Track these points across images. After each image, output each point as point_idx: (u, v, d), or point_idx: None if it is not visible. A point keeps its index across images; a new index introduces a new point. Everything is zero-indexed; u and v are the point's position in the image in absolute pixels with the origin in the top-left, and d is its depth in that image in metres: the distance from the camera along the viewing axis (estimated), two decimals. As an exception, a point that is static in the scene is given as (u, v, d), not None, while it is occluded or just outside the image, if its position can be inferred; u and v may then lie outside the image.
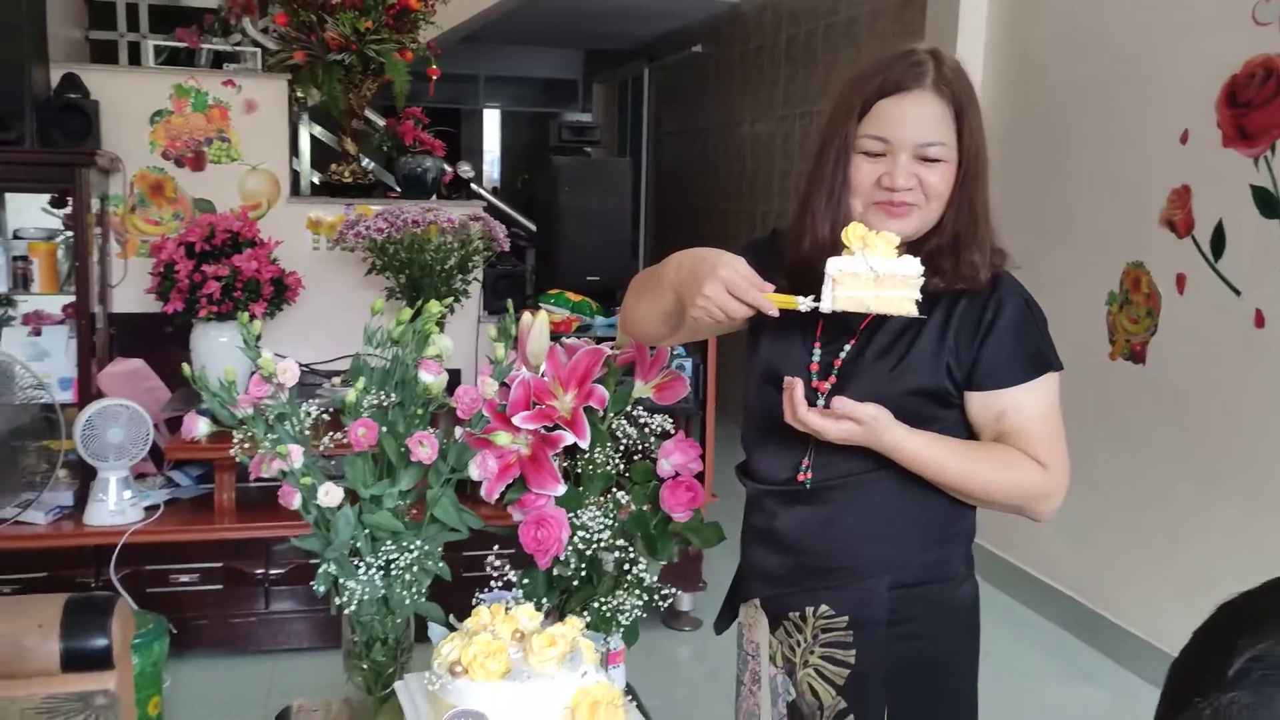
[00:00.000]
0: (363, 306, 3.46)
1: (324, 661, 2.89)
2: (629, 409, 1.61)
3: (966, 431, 1.39)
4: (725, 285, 1.26)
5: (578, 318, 3.33)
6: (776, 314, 1.27)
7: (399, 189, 3.71)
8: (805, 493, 1.39)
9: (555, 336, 1.61)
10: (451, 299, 2.89)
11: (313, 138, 4.07)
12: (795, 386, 1.30)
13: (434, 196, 3.60)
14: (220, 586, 3.00)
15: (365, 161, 3.88)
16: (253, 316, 3.03)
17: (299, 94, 3.71)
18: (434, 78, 3.69)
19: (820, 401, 1.36)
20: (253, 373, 1.50)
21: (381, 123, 3.91)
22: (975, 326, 1.36)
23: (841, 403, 1.28)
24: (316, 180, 4.04)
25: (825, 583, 1.41)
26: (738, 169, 6.79)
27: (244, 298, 2.90)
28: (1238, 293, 3.04)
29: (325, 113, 3.84)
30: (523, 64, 9.81)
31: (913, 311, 1.26)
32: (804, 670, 1.43)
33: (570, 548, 1.50)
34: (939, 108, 1.34)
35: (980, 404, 1.37)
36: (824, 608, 1.41)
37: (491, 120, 10.66)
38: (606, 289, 3.65)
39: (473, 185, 4.06)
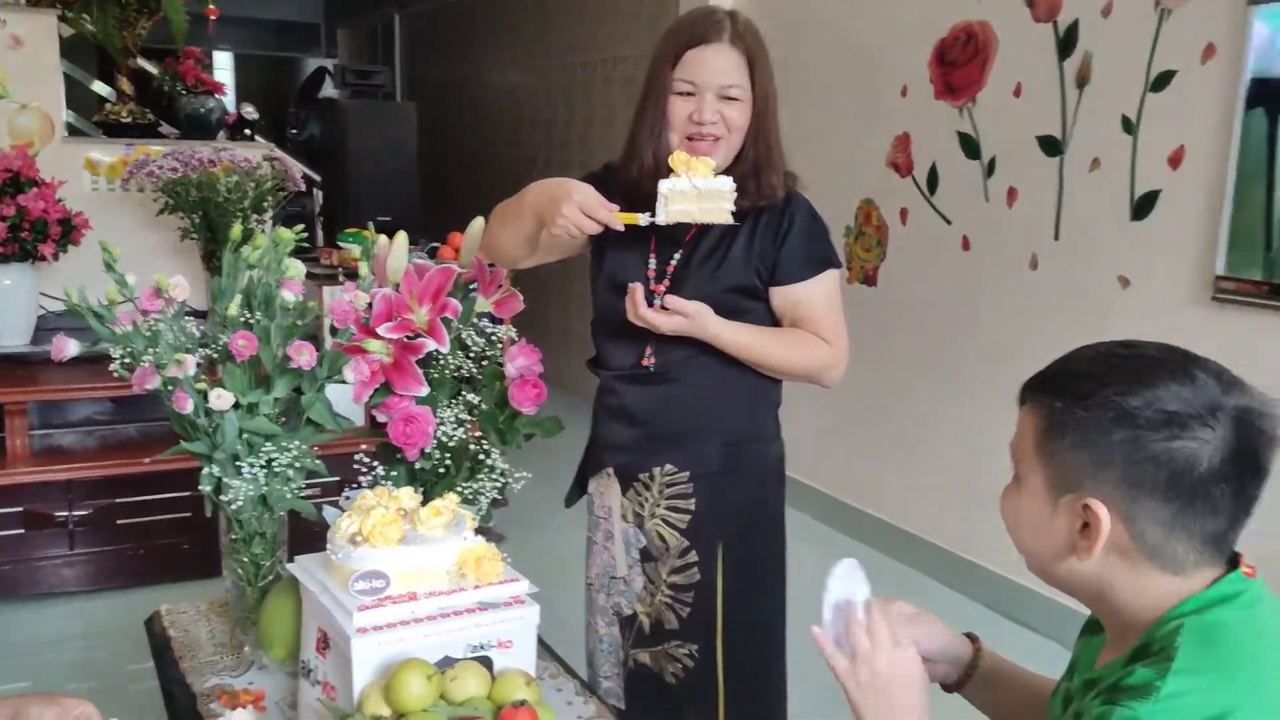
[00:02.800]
0: (150, 248, 3.44)
1: (137, 599, 2.94)
2: (475, 320, 1.84)
3: (771, 320, 1.74)
4: (580, 206, 1.53)
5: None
6: (622, 228, 1.56)
7: (178, 129, 3.67)
8: (649, 375, 1.69)
9: (356, 273, 1.81)
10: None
11: (67, 76, 3.92)
12: (636, 290, 1.60)
13: (219, 137, 3.59)
14: (20, 531, 2.96)
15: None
16: (41, 258, 2.98)
17: (71, 30, 3.57)
18: (212, 18, 3.65)
19: (657, 301, 1.65)
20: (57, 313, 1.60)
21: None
22: (774, 234, 1.69)
23: (672, 300, 1.59)
24: (73, 120, 3.89)
25: (669, 446, 1.73)
26: (507, 117, 6.91)
27: (31, 239, 2.84)
28: (949, 222, 3.59)
29: (84, 49, 3.71)
30: (256, 5, 9.40)
31: (729, 220, 1.58)
32: (652, 521, 1.75)
33: (435, 440, 1.72)
34: (736, 57, 1.66)
35: (781, 296, 1.71)
36: (668, 467, 1.73)
37: (222, 63, 10.14)
38: (400, 228, 3.75)
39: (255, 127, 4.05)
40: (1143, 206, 2.95)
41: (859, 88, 3.93)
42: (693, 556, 1.76)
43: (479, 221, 1.80)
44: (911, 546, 3.75)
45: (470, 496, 1.73)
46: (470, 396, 1.80)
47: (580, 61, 5.96)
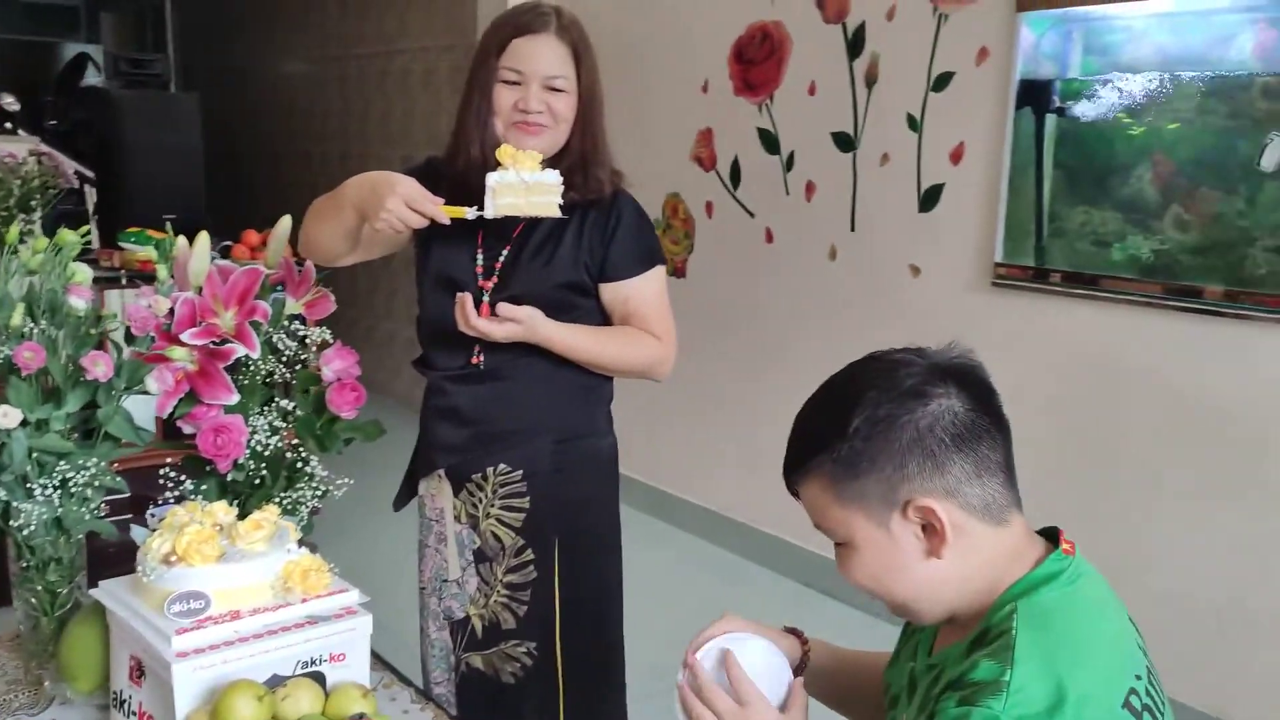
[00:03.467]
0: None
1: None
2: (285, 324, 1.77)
3: (601, 315, 1.75)
4: (404, 199, 1.49)
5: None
6: (448, 222, 1.53)
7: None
8: (479, 374, 1.67)
9: (146, 276, 1.72)
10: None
11: None
12: (465, 300, 1.58)
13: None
14: None
15: None
16: None
17: None
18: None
19: (485, 298, 1.64)
20: None
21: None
22: (603, 231, 1.71)
23: (504, 308, 1.58)
24: None
25: (501, 445, 1.71)
26: (298, 108, 6.67)
27: None
28: (752, 215, 3.71)
29: None
30: (3, -16, 8.63)
31: (558, 213, 1.59)
32: (487, 521, 1.73)
33: (249, 450, 1.64)
34: (562, 49, 1.67)
35: (611, 292, 1.73)
36: (502, 466, 1.71)
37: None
38: (187, 226, 3.56)
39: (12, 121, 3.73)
40: (929, 199, 3.14)
41: (662, 84, 4.01)
42: (529, 555, 1.75)
43: (287, 220, 1.73)
44: (734, 532, 3.86)
45: (290, 507, 1.67)
46: (284, 403, 1.73)
47: (371, 53, 5.81)
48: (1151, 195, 2.67)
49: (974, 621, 1.05)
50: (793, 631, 1.28)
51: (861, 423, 1.03)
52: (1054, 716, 0.93)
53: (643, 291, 1.75)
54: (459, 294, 1.61)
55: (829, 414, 1.07)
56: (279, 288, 1.81)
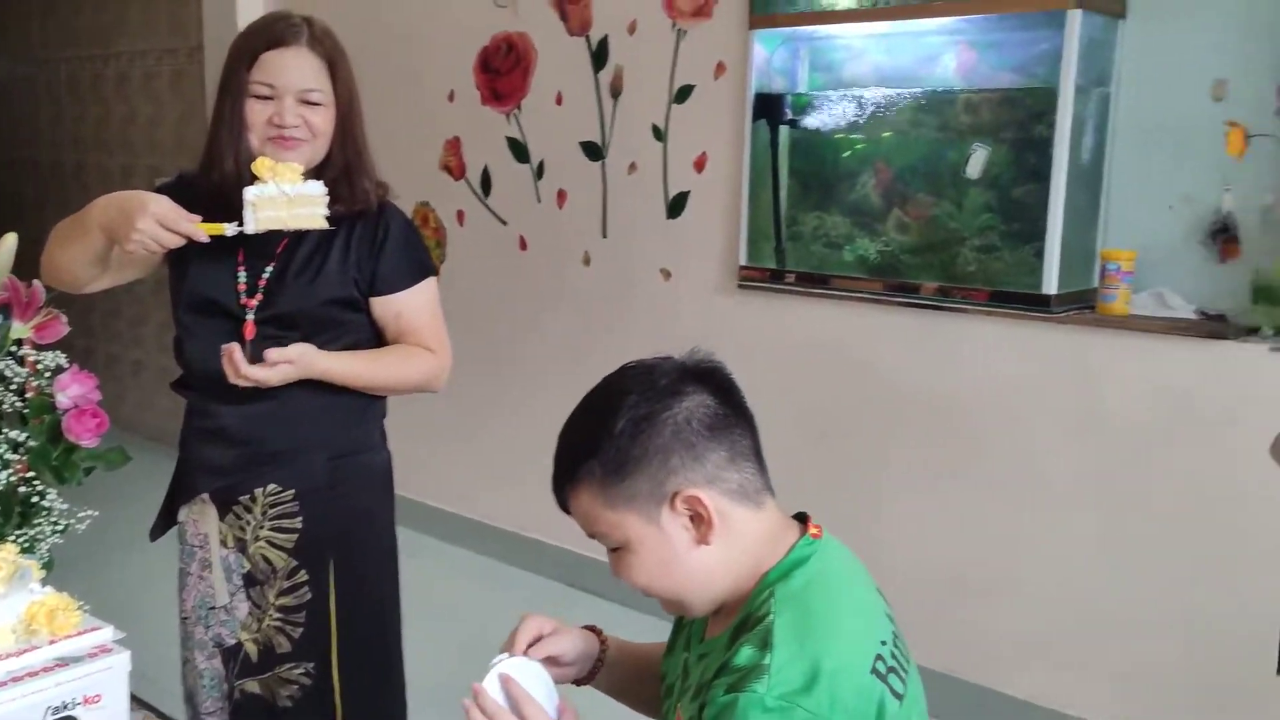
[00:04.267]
0: None
1: None
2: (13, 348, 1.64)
3: (372, 330, 1.72)
4: (156, 219, 1.41)
5: None
6: (207, 239, 1.46)
7: None
8: (249, 393, 1.60)
9: None
10: None
11: None
12: (233, 351, 1.52)
13: None
14: None
15: None
16: None
17: None
18: None
19: (250, 316, 1.58)
20: None
21: None
22: (371, 244, 1.68)
23: (272, 353, 1.53)
24: None
25: (272, 465, 1.64)
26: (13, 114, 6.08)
27: None
28: (505, 223, 3.74)
29: None
30: None
31: (324, 224, 1.55)
32: (256, 544, 1.66)
33: (-24, 487, 1.51)
34: (315, 60, 1.63)
35: (382, 307, 1.70)
36: (272, 486, 1.65)
37: None
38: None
39: None
40: (676, 206, 3.27)
41: (408, 93, 3.96)
42: (302, 576, 1.70)
43: (11, 238, 1.60)
44: (503, 541, 3.86)
45: (28, 544, 1.54)
46: (14, 434, 1.60)
47: (87, 55, 5.39)
48: (875, 201, 2.91)
49: (738, 608, 1.13)
50: (591, 629, 1.32)
51: (625, 424, 1.09)
52: (812, 689, 1.01)
53: (414, 304, 1.73)
54: (225, 346, 1.55)
55: (593, 421, 1.13)
56: (4, 310, 1.68)
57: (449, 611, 3.28)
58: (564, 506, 1.16)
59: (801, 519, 1.19)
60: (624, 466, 1.09)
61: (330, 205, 1.58)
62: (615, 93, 3.37)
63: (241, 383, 1.54)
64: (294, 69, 1.61)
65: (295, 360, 1.56)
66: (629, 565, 1.13)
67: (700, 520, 1.10)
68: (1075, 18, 2.44)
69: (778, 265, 3.07)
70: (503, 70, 3.67)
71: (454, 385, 3.82)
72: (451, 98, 3.82)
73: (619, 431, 1.09)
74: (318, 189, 1.56)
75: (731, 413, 1.13)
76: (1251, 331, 2.37)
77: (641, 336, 3.34)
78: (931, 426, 2.82)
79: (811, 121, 3.00)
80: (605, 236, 3.46)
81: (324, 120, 1.65)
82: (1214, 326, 2.42)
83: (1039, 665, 2.70)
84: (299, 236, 1.60)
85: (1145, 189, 2.61)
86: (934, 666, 2.79)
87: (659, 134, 3.27)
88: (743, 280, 3.11)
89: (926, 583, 2.84)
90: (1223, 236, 2.51)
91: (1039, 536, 2.67)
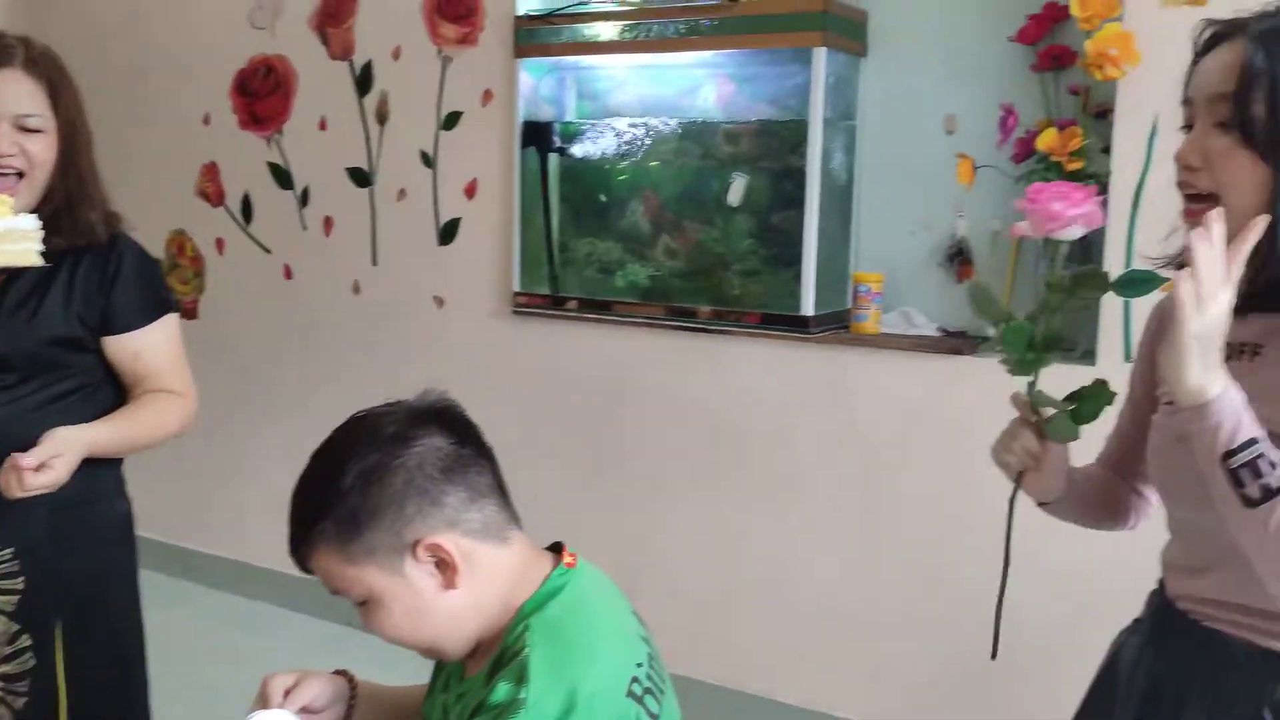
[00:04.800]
0: None
1: None
2: None
3: (103, 371, 1.59)
4: None
5: None
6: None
7: None
8: None
9: None
10: None
11: None
12: (15, 461, 1.37)
13: None
14: None
15: None
16: None
17: None
18: None
19: None
20: None
21: None
22: (100, 280, 1.56)
23: (38, 453, 1.38)
24: None
25: None
26: None
27: None
28: (269, 251, 3.59)
29: None
30: None
31: (38, 261, 1.43)
32: None
33: None
34: (31, 83, 1.51)
35: (117, 346, 1.58)
36: None
37: None
38: None
39: None
40: (448, 232, 3.24)
41: (159, 116, 3.74)
42: (25, 641, 1.54)
43: None
44: (264, 580, 3.67)
45: None
46: None
47: None
48: (645, 227, 2.98)
49: (495, 644, 1.12)
50: (341, 673, 1.28)
51: (354, 478, 1.07)
52: (569, 717, 1.01)
53: (153, 344, 1.62)
54: (10, 459, 1.40)
55: (321, 479, 1.10)
56: None
57: (216, 662, 3.09)
58: (304, 568, 1.13)
59: (556, 549, 1.20)
60: (358, 522, 1.07)
61: (49, 239, 1.47)
62: (382, 118, 3.31)
63: (24, 494, 1.40)
64: (8, 93, 1.49)
65: (64, 452, 1.44)
66: (377, 619, 1.11)
67: (445, 565, 1.09)
68: (821, 55, 2.60)
69: (552, 291, 3.09)
70: (261, 93, 3.54)
71: (214, 423, 3.66)
72: (207, 121, 3.65)
73: (347, 487, 1.07)
74: (30, 223, 1.44)
75: (469, 451, 1.12)
76: (984, 342, 2.58)
77: (415, 365, 3.28)
78: (704, 445, 2.91)
79: (580, 149, 3.04)
80: (375, 264, 3.38)
81: (44, 148, 1.53)
82: (953, 343, 2.61)
83: (805, 669, 2.82)
84: (15, 272, 1.48)
85: (891, 215, 2.80)
86: (710, 679, 2.87)
87: (428, 160, 3.23)
88: (517, 307, 3.11)
89: (703, 594, 2.92)
90: (959, 259, 2.72)
91: (802, 545, 2.80)
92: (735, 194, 2.83)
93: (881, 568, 2.71)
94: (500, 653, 1.10)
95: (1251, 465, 0.98)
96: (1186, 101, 1.11)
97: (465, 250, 3.21)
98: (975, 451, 2.49)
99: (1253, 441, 0.99)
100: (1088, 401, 1.17)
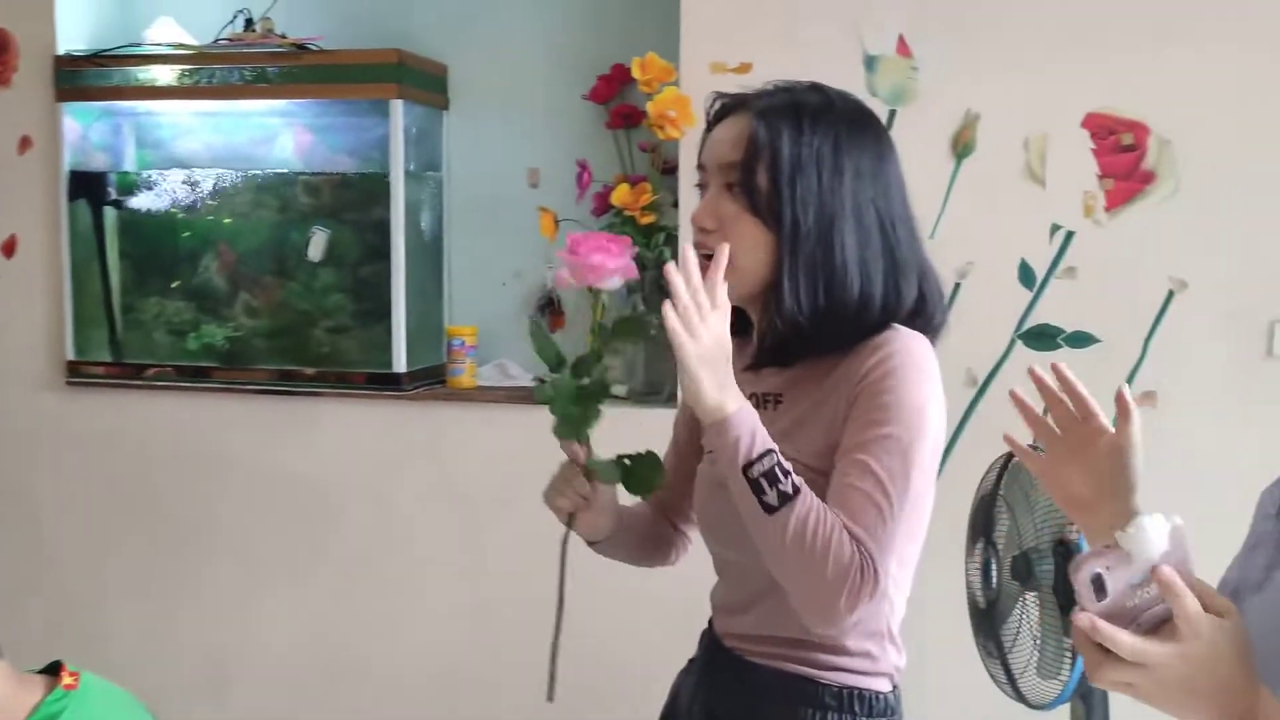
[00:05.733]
0: None
1: None
2: None
3: None
4: None
5: None
6: None
7: None
8: None
9: None
10: None
11: None
12: None
13: None
14: None
15: None
16: None
17: None
18: None
19: None
20: None
21: None
22: None
23: None
24: None
25: None
26: None
27: None
28: None
29: None
30: None
31: None
32: None
33: None
34: None
35: None
36: None
37: None
38: None
39: None
40: (-19, 296, 2.82)
41: None
42: None
43: None
44: None
45: None
46: None
47: None
48: (220, 284, 2.76)
49: None
50: None
51: None
52: None
53: None
54: None
55: None
56: None
57: None
58: None
59: (53, 669, 1.04)
60: None
61: None
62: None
63: None
64: None
65: None
66: None
67: None
68: (398, 107, 2.55)
69: (114, 358, 2.78)
70: None
71: None
72: None
73: None
74: None
75: None
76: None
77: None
78: (298, 513, 2.72)
79: (142, 202, 2.77)
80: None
81: None
82: (546, 392, 2.63)
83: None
84: None
85: (482, 266, 2.80)
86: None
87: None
88: (73, 376, 2.76)
89: (304, 671, 2.72)
90: (550, 309, 2.76)
91: (407, 608, 2.69)
92: (316, 249, 2.69)
93: (488, 623, 2.65)
94: None
95: (769, 474, 1.06)
96: (701, 167, 1.19)
97: (7, 316, 2.81)
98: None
99: (770, 452, 1.07)
100: (636, 476, 1.19)
